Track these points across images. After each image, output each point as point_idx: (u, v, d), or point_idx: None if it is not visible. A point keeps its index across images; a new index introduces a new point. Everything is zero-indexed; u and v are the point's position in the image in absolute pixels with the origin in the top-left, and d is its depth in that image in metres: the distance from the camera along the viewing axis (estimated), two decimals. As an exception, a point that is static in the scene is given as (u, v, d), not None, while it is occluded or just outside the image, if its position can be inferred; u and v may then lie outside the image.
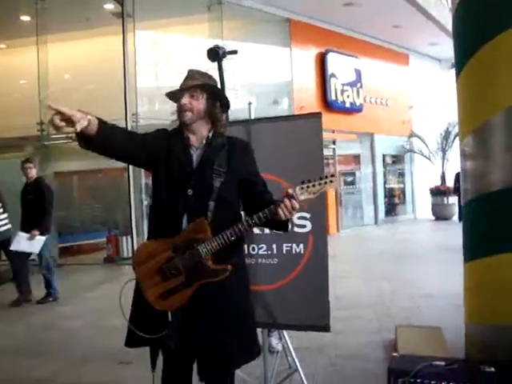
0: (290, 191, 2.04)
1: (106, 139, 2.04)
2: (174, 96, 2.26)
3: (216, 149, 2.23)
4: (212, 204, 2.16)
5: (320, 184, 2.04)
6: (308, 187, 2.04)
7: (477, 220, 3.08)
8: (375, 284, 6.32)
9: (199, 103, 2.21)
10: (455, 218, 13.59)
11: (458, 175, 12.67)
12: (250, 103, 3.10)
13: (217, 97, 2.27)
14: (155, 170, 2.27)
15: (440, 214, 14.14)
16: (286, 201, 2.02)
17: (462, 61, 3.05)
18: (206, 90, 2.22)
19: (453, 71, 3.41)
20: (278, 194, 2.83)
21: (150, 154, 2.23)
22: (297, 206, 2.04)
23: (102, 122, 2.03)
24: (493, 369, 2.31)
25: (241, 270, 2.28)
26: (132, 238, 9.17)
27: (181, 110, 2.21)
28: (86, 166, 10.47)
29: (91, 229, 11.38)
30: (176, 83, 2.31)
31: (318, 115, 3.00)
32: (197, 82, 2.21)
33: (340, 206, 13.07)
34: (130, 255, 9.43)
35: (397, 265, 7.77)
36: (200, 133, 2.26)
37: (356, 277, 6.82)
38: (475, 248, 3.08)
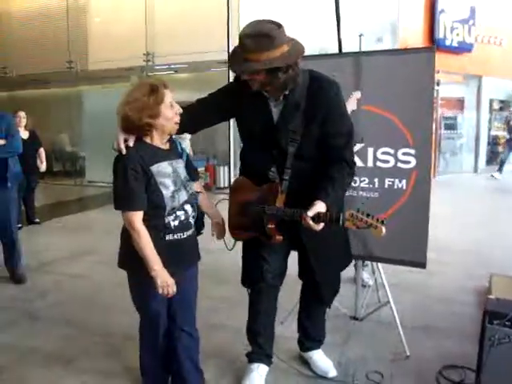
0: (313, 211, 2.02)
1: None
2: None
3: (295, 105, 2.18)
4: (288, 172, 2.22)
5: (366, 223, 1.91)
6: (356, 217, 1.93)
7: None
8: (471, 232, 6.14)
9: (260, 76, 2.07)
10: None
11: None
12: (360, 35, 3.03)
13: (279, 68, 2.02)
14: (238, 122, 2.41)
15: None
16: (309, 220, 2.02)
17: None
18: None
19: None
20: (387, 129, 2.84)
21: (225, 114, 2.45)
22: (316, 228, 2.03)
23: None
24: None
25: None
26: (229, 168, 9.55)
27: (249, 83, 2.14)
28: (189, 97, 10.80)
29: (191, 157, 11.85)
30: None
31: (431, 49, 2.89)
32: (256, 65, 2.00)
33: (438, 151, 12.53)
34: (226, 185, 9.84)
35: (495, 215, 7.45)
36: (274, 92, 2.18)
37: (451, 223, 6.64)
38: None
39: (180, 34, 9.46)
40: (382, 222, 1.89)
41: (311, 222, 2.01)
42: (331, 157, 2.22)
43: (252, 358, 2.61)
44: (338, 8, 2.88)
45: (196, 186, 2.30)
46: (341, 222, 1.96)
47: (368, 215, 1.92)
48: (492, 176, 11.73)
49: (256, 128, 2.26)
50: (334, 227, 2.04)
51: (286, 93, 2.17)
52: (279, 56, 1.98)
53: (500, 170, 11.91)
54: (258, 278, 2.41)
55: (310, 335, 2.72)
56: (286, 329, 3.08)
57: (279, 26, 2.00)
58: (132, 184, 2.01)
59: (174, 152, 2.22)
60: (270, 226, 2.21)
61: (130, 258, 2.11)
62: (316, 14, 8.37)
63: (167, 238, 2.12)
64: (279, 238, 2.23)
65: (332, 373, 2.65)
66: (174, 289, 2.10)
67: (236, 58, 2.07)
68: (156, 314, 2.29)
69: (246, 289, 2.55)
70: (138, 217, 2.03)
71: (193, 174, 2.30)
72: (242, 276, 2.53)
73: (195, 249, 2.32)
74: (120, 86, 12.10)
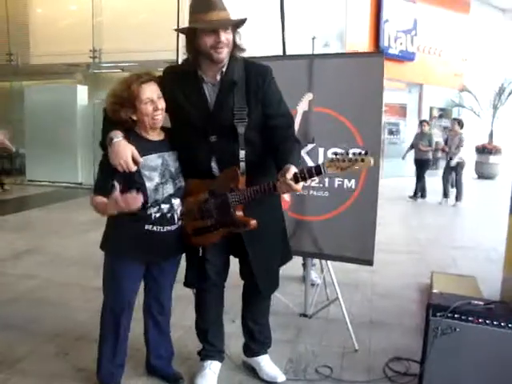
0: (290, 172, 1.93)
1: None
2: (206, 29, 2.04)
3: (231, 84, 2.15)
4: (242, 153, 2.17)
5: (350, 161, 1.85)
6: (338, 160, 1.87)
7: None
8: (412, 233, 6.40)
9: (231, 36, 2.09)
10: (499, 177, 13.23)
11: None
12: (313, 38, 3.11)
13: (240, 25, 2.13)
14: (172, 114, 2.27)
15: (483, 173, 13.79)
16: (289, 181, 1.94)
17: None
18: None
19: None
20: (338, 130, 2.92)
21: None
22: (297, 188, 1.97)
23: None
24: (530, 313, 2.39)
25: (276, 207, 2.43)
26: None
27: (218, 47, 2.06)
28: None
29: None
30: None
31: (380, 54, 3.01)
32: (230, 16, 2.06)
33: (381, 156, 12.92)
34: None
35: (434, 216, 7.80)
36: (218, 68, 2.16)
37: (393, 224, 6.90)
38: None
39: (128, 30, 9.27)
40: (366, 153, 1.84)
41: (292, 183, 1.94)
42: (278, 136, 2.20)
43: (203, 355, 2.60)
44: (283, 13, 2.99)
45: None
46: (323, 171, 1.91)
47: (347, 154, 1.87)
48: None
49: (192, 115, 2.19)
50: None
51: (224, 69, 2.15)
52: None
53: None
54: (201, 277, 2.41)
55: (256, 338, 2.65)
56: (238, 327, 3.10)
57: None
58: (101, 171, 2.16)
59: (167, 143, 2.23)
60: (238, 213, 2.13)
61: (105, 238, 2.22)
62: (265, 19, 8.46)
63: (146, 227, 2.17)
64: (253, 222, 2.11)
65: (281, 378, 2.58)
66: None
67: (213, 18, 2.02)
68: (122, 298, 2.31)
69: (192, 289, 2.59)
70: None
71: None
72: (186, 277, 2.51)
73: (176, 243, 2.33)
74: (64, 82, 11.75)
